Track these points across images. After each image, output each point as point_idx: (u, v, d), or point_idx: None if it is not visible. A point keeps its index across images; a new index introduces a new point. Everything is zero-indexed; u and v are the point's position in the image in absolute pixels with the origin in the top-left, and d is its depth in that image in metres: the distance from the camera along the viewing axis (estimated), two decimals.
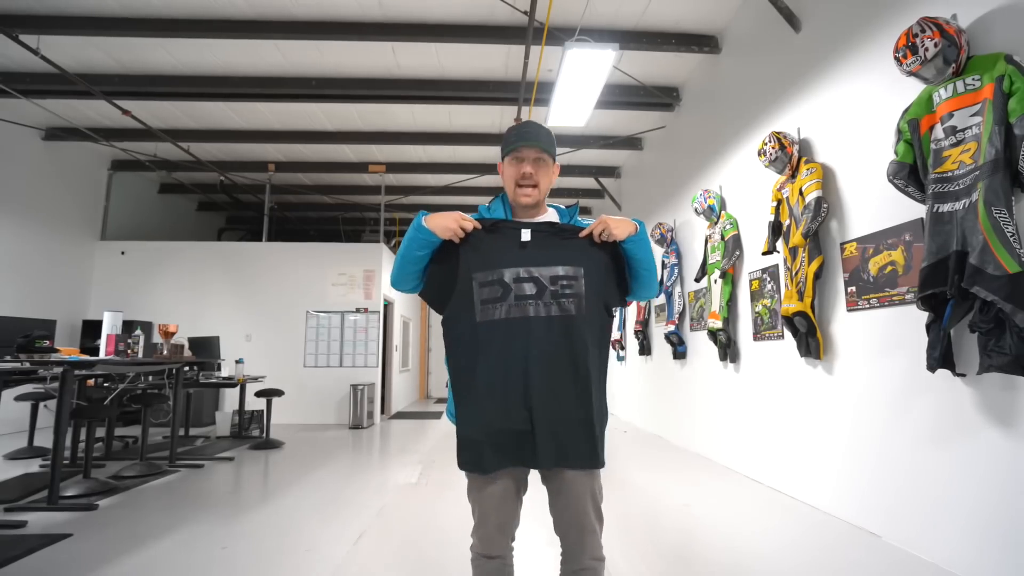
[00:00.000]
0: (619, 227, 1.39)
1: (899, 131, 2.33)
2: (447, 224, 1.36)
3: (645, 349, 6.29)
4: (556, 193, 8.46)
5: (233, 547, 2.52)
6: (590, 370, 1.35)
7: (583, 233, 1.42)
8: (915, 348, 2.34)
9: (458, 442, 1.37)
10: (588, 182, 8.10)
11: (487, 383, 1.34)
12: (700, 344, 4.75)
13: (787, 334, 3.34)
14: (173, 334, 4.60)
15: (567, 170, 7.50)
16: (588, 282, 1.38)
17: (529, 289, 1.35)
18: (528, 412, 1.30)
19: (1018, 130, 1.88)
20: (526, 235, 1.40)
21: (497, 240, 1.40)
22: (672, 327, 5.22)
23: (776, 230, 3.39)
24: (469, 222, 1.38)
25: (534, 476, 1.38)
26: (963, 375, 2.15)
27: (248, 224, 10.47)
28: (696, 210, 4.51)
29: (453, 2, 4.10)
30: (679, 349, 5.15)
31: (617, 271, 1.45)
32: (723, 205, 4.37)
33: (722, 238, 4.19)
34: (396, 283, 1.46)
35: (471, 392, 1.37)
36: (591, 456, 1.32)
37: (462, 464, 1.36)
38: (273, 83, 5.20)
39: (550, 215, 1.50)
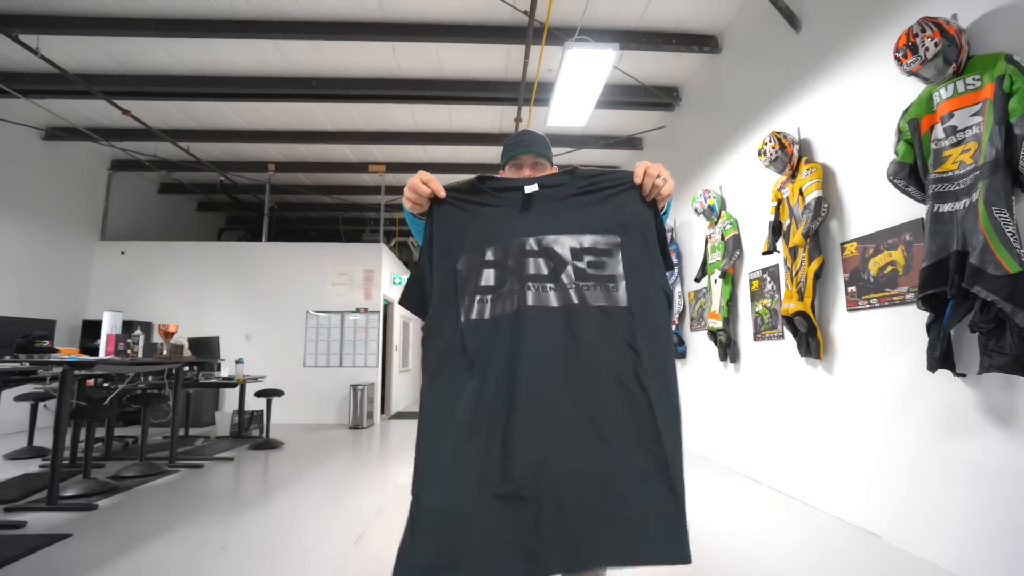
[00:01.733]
0: (670, 182, 1.04)
1: (899, 131, 2.33)
2: (406, 194, 1.05)
3: None
4: None
5: (233, 547, 2.51)
6: (648, 391, 0.91)
7: (636, 178, 1.01)
8: (915, 348, 2.34)
9: (410, 522, 0.85)
10: None
11: (468, 418, 0.90)
12: (700, 344, 4.75)
13: (787, 334, 3.34)
14: (173, 334, 4.60)
15: None
16: (628, 256, 0.98)
17: (539, 267, 0.96)
18: (533, 466, 0.85)
19: (1018, 130, 1.88)
20: (532, 188, 1.03)
21: (490, 206, 1.03)
22: (672, 327, 5.21)
23: (776, 230, 3.39)
24: (432, 185, 1.03)
25: None
26: (963, 375, 2.14)
27: (248, 224, 10.47)
28: (696, 210, 4.51)
29: (453, 2, 4.10)
30: (679, 349, 5.15)
31: (660, 242, 1.04)
32: (723, 205, 4.37)
33: (722, 238, 4.19)
34: None
35: (442, 435, 0.90)
36: (668, 543, 0.85)
37: (411, 567, 0.81)
38: (273, 83, 5.20)
39: None
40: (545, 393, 0.89)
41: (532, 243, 0.97)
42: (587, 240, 0.97)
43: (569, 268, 0.95)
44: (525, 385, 0.90)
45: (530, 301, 0.94)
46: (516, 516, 0.84)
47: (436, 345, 0.97)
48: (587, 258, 0.96)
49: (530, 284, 0.95)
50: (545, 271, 0.96)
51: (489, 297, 0.97)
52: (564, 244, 0.97)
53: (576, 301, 0.94)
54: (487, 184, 1.04)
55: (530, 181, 1.04)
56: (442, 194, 1.03)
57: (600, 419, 0.88)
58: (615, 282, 0.96)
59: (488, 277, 0.97)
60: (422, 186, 1.03)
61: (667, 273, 1.05)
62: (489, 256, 0.98)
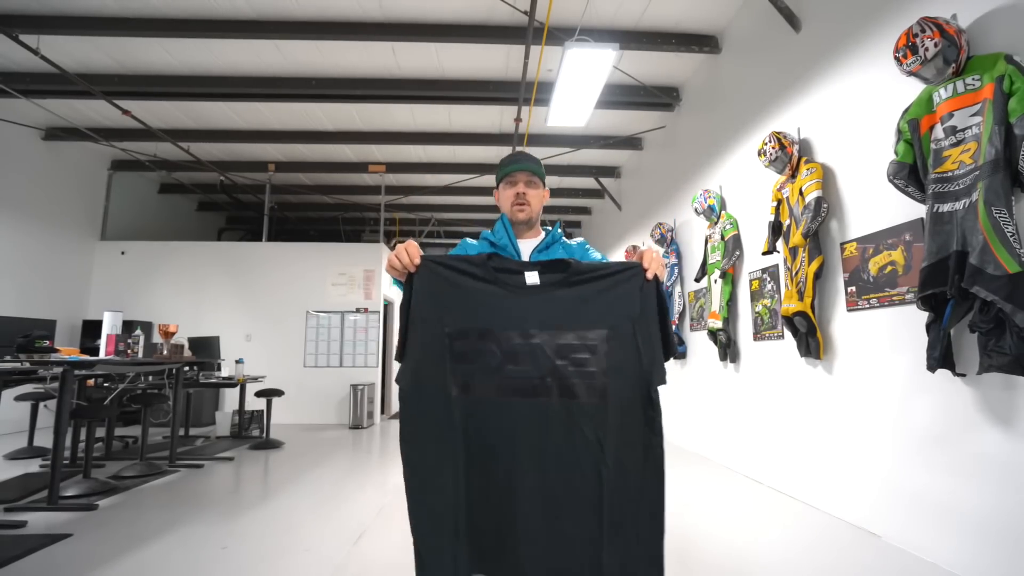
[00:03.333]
0: (664, 268, 1.17)
1: (899, 131, 2.33)
2: (390, 260, 1.09)
3: None
4: (558, 192, 8.46)
5: (233, 547, 2.51)
6: (613, 496, 0.96)
7: (645, 262, 1.06)
8: (915, 348, 2.34)
9: (418, 561, 0.98)
10: (588, 182, 8.10)
11: (469, 490, 0.98)
12: (700, 344, 4.75)
13: (787, 334, 3.34)
14: (173, 334, 4.60)
15: (567, 170, 7.50)
16: (613, 351, 1.00)
17: (525, 360, 1.00)
18: (514, 545, 0.96)
19: (1018, 130, 1.88)
20: (532, 277, 1.05)
21: (485, 281, 1.05)
22: (672, 327, 5.21)
23: (776, 230, 3.39)
24: (413, 251, 1.07)
25: None
26: (963, 375, 2.14)
27: (248, 224, 10.47)
28: (696, 210, 4.51)
29: (453, 2, 4.10)
30: (679, 349, 5.15)
31: (663, 327, 1.07)
32: (723, 205, 4.37)
33: (722, 238, 4.19)
34: None
35: (440, 498, 0.98)
36: None
37: None
38: (273, 83, 5.20)
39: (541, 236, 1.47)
40: (515, 487, 0.96)
41: (521, 337, 1.00)
42: (573, 336, 1.00)
43: (553, 365, 0.99)
44: (502, 477, 0.97)
45: (512, 394, 0.99)
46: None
47: (419, 411, 1.01)
48: (571, 355, 1.00)
49: (515, 376, 1.00)
50: (529, 366, 0.99)
51: (474, 380, 1.00)
52: (551, 341, 1.01)
53: (555, 397, 0.98)
54: (491, 262, 1.06)
55: (530, 267, 1.06)
56: (412, 268, 1.06)
57: (563, 517, 0.95)
58: (595, 379, 1.00)
59: (475, 357, 1.00)
60: (404, 256, 1.06)
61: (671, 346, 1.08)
62: (478, 337, 1.01)
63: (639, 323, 1.02)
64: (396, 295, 8.83)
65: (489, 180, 7.92)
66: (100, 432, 4.75)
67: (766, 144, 3.33)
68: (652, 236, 5.51)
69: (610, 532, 0.94)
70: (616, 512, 0.95)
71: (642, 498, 0.97)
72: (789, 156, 3.24)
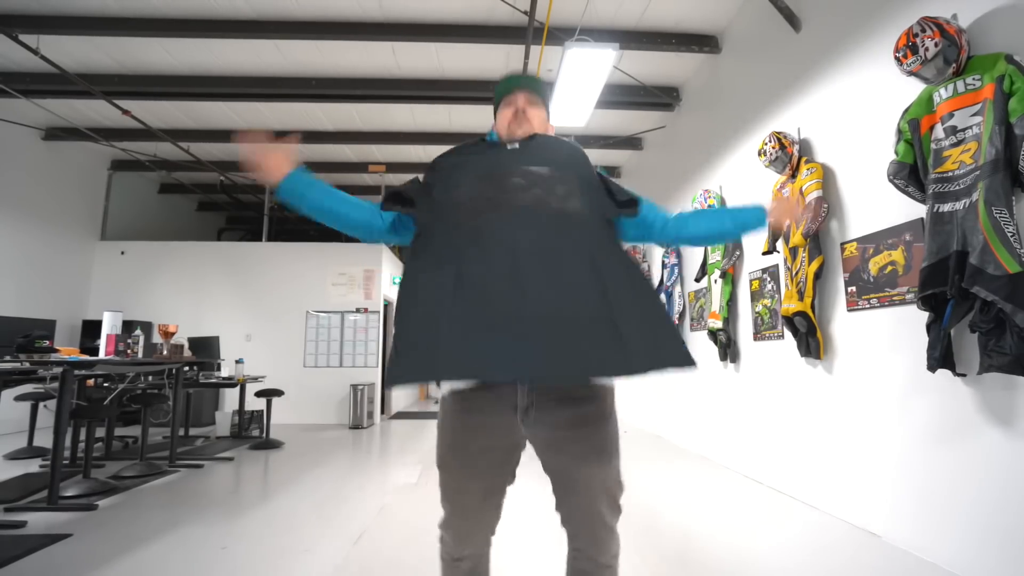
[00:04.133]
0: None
1: (899, 131, 2.33)
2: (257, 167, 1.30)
3: None
4: None
5: (233, 547, 2.51)
6: (616, 267, 1.09)
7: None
8: (915, 348, 2.34)
9: (394, 351, 1.03)
10: None
11: (454, 281, 1.02)
12: (700, 344, 4.75)
13: (787, 334, 3.34)
14: (173, 334, 4.60)
15: None
16: (590, 187, 1.20)
17: (519, 182, 1.14)
18: (518, 304, 0.98)
19: (1018, 130, 1.88)
20: (512, 145, 1.26)
21: (476, 155, 1.26)
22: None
23: (776, 230, 3.39)
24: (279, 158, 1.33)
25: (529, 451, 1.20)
26: (963, 375, 2.14)
27: (248, 224, 10.47)
28: None
29: (453, 2, 4.10)
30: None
31: (616, 189, 1.26)
32: (723, 205, 4.37)
33: None
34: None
35: (429, 291, 1.06)
36: (617, 357, 0.96)
37: (397, 375, 1.00)
38: (273, 83, 5.20)
39: None
40: (533, 263, 1.03)
41: (512, 173, 1.16)
42: (557, 171, 1.17)
43: (544, 185, 1.14)
44: (518, 260, 1.03)
45: (513, 202, 1.12)
46: (500, 338, 0.96)
47: (420, 245, 1.19)
48: (558, 184, 1.15)
49: (511, 192, 1.13)
50: (523, 183, 1.14)
51: (477, 205, 1.13)
52: (539, 171, 1.16)
53: (553, 205, 1.12)
54: (480, 144, 1.28)
55: (512, 142, 1.25)
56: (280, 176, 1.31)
57: (568, 282, 1.02)
58: (580, 197, 1.15)
59: (482, 190, 1.15)
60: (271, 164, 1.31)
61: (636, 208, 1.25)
62: (478, 180, 1.17)
63: (604, 180, 1.25)
64: (396, 295, 8.82)
65: None
66: (100, 432, 4.75)
67: (766, 144, 3.33)
68: None
69: (612, 286, 1.04)
70: (621, 289, 1.05)
71: (642, 288, 1.11)
72: (789, 156, 3.24)
